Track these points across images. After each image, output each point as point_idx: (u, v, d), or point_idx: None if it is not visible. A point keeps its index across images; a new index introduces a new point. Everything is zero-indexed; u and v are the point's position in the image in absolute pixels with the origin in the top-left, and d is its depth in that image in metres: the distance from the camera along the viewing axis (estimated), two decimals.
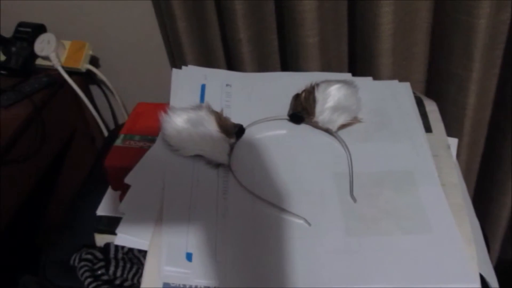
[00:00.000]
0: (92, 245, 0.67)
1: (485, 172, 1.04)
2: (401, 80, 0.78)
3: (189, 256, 0.55)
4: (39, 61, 1.11)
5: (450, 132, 0.71)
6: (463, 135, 0.93)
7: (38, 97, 1.04)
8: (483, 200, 1.05)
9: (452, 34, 0.84)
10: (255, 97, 0.74)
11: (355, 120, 0.69)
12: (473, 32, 0.81)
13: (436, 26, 0.89)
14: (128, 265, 0.63)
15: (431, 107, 0.73)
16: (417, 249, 0.56)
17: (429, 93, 0.97)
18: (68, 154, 1.21)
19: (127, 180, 0.62)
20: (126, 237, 0.58)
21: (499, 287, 0.60)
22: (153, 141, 0.67)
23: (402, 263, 0.55)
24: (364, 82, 0.75)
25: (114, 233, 0.60)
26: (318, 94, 0.69)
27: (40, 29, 1.11)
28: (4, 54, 1.09)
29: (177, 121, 0.65)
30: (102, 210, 0.67)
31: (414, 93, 0.75)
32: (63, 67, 1.09)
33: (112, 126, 1.33)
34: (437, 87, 0.93)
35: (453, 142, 0.69)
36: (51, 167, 1.14)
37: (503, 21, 0.85)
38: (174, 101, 0.71)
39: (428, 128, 0.70)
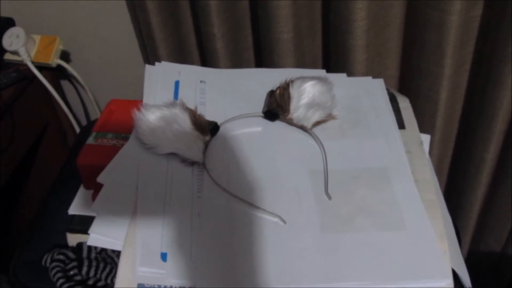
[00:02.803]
0: (64, 244, 0.65)
1: (456, 166, 1.06)
2: (375, 75, 0.78)
3: (164, 256, 0.55)
4: (7, 56, 1.09)
5: (422, 127, 0.72)
6: (435, 130, 0.95)
7: (7, 93, 1.02)
8: (454, 194, 1.07)
9: (424, 30, 0.85)
10: (229, 93, 0.73)
11: (329, 117, 0.70)
12: (446, 29, 0.82)
13: (409, 22, 0.89)
14: (101, 265, 0.62)
15: (404, 104, 0.74)
16: (391, 245, 0.56)
17: (402, 89, 0.98)
18: (39, 150, 1.19)
19: (99, 179, 0.61)
20: (99, 237, 0.58)
21: (470, 280, 0.61)
22: (126, 139, 0.66)
23: (377, 259, 0.55)
24: (339, 79, 0.76)
25: (86, 233, 0.59)
26: (293, 91, 0.69)
27: (8, 23, 1.08)
28: None
29: (150, 118, 0.64)
30: (74, 209, 0.66)
31: (387, 89, 0.76)
32: (33, 62, 1.07)
33: (84, 121, 1.31)
34: (410, 82, 0.94)
35: (426, 138, 0.70)
36: (22, 164, 1.12)
37: (474, 18, 0.86)
38: (147, 98, 0.70)
39: (401, 125, 0.70)
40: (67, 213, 0.65)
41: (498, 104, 0.87)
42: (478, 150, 0.95)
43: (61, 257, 0.63)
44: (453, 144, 1.04)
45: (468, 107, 0.97)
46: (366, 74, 0.90)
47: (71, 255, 0.64)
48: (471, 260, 1.13)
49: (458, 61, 0.88)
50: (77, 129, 1.22)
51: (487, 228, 1.05)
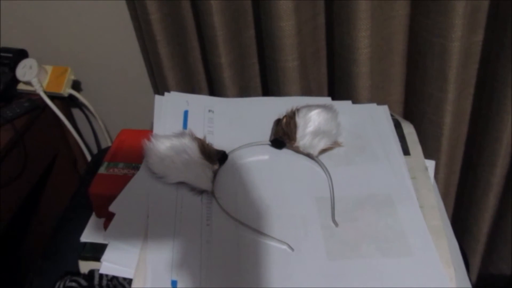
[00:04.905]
0: (76, 272, 0.66)
1: (463, 189, 1.06)
2: (379, 101, 0.79)
3: (174, 284, 0.56)
4: (21, 86, 1.11)
5: (428, 151, 0.72)
6: (441, 154, 0.95)
7: (20, 122, 1.04)
8: (462, 216, 1.07)
9: (427, 56, 0.87)
10: (237, 122, 0.75)
11: (335, 144, 0.71)
12: (447, 54, 0.83)
13: (412, 49, 0.91)
14: None
15: (409, 130, 0.75)
16: (397, 271, 0.57)
17: (406, 114, 1.00)
18: (50, 178, 1.21)
19: (111, 208, 0.62)
20: (112, 265, 0.59)
21: None
22: (137, 168, 0.68)
23: (383, 286, 0.56)
24: (344, 106, 0.77)
25: (98, 260, 0.60)
26: (299, 119, 0.70)
27: (21, 54, 1.11)
28: None
29: (160, 148, 0.65)
30: (86, 236, 0.67)
31: (392, 115, 0.77)
32: (45, 92, 1.10)
33: (95, 149, 1.33)
34: (414, 107, 0.95)
35: (431, 164, 0.71)
36: (33, 192, 1.13)
37: (475, 43, 0.88)
38: (157, 128, 0.72)
39: (406, 151, 0.71)
40: (78, 240, 0.66)
41: (502, 127, 0.87)
42: (484, 173, 0.96)
43: (74, 284, 0.64)
44: (459, 167, 1.04)
45: (472, 130, 0.98)
46: (370, 100, 0.91)
47: (83, 282, 0.64)
48: (481, 284, 1.12)
49: (461, 85, 0.89)
50: (88, 157, 1.23)
51: (495, 251, 1.05)
